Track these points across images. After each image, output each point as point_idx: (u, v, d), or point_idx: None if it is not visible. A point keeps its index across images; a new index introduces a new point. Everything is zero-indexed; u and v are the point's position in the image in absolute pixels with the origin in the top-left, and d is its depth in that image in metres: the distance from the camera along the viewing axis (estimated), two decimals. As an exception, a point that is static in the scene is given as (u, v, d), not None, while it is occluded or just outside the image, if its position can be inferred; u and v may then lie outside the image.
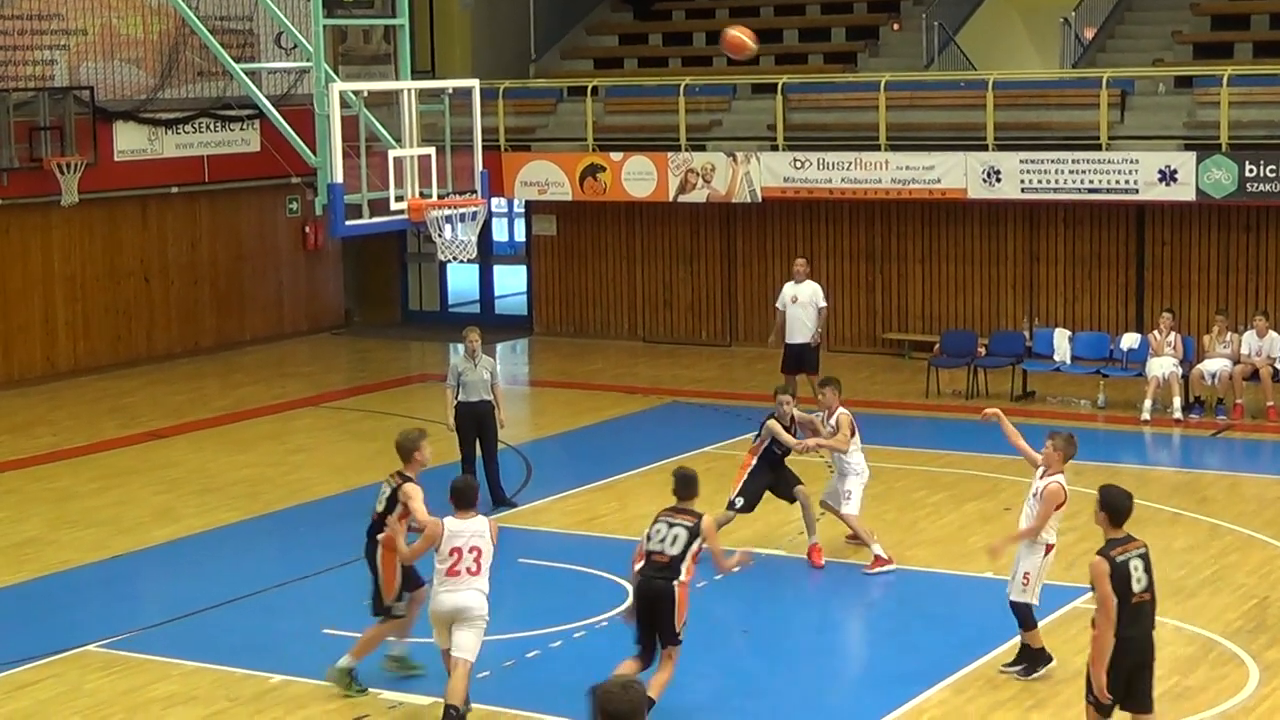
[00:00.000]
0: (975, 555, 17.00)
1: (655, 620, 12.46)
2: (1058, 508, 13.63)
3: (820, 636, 14.92)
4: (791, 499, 16.93)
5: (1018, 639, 14.09)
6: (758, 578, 15.83)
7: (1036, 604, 13.56)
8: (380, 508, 13.71)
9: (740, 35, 19.25)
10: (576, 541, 17.50)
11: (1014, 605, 13.69)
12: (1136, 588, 11.17)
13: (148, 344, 29.22)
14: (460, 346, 20.17)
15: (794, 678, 13.98)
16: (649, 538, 12.59)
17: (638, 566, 12.77)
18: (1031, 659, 13.81)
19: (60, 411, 25.37)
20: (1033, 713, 13.23)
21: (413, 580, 13.76)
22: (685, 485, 12.92)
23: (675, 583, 12.33)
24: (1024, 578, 13.61)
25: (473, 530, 12.60)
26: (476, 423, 19.29)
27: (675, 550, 12.33)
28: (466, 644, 12.50)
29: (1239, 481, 20.27)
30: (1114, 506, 11.41)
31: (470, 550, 12.56)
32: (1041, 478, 14.04)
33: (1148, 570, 11.35)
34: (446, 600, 12.60)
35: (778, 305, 23.89)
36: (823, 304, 23.64)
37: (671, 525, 12.57)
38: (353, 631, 15.00)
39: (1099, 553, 11.18)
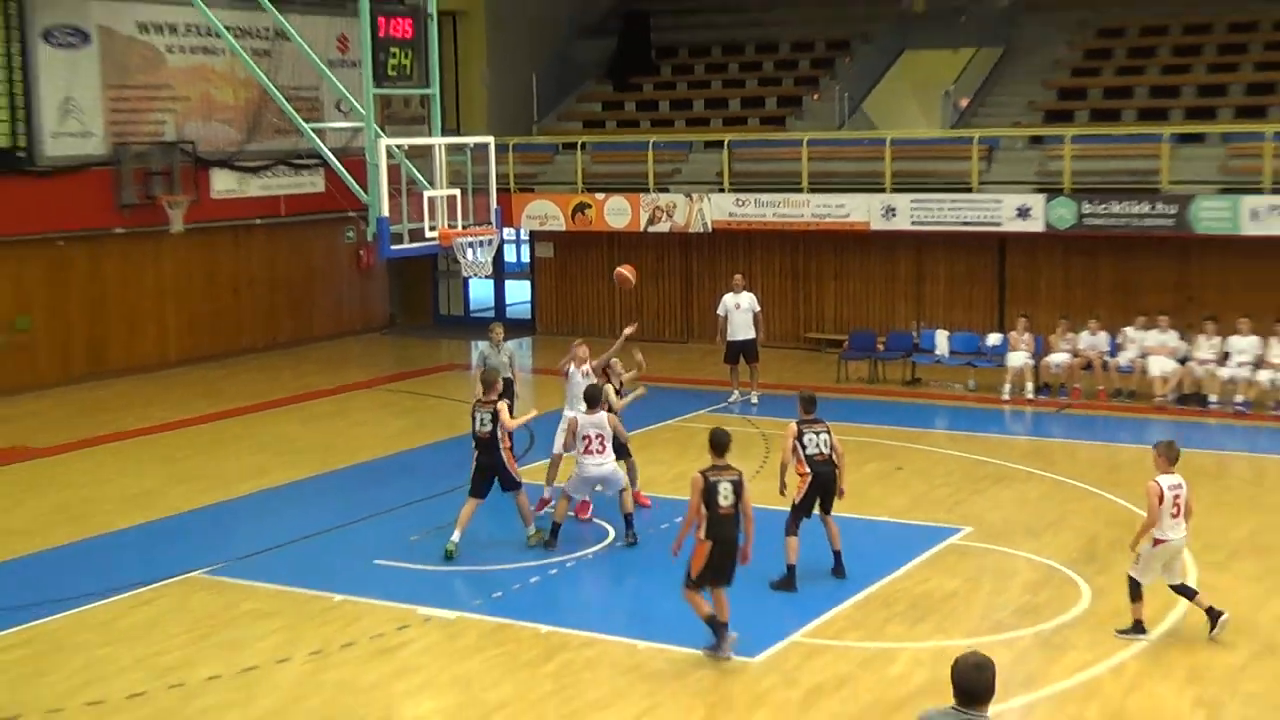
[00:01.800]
0: (874, 504, 17.17)
1: (730, 562, 12.31)
2: (1160, 503, 12.45)
3: (756, 566, 15.00)
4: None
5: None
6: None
7: (1144, 582, 12.65)
8: (487, 427, 15.34)
9: (625, 272, 19.02)
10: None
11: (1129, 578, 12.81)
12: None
13: (237, 341, 29.29)
14: (485, 341, 20.29)
15: (736, 597, 14.12)
16: (719, 493, 12.12)
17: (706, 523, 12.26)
18: (1136, 627, 12.79)
19: (170, 393, 25.39)
20: (918, 626, 13.38)
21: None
22: (721, 446, 12.57)
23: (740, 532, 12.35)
24: (1135, 559, 12.83)
25: (597, 422, 15.45)
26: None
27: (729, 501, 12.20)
28: (617, 485, 15.64)
29: (1077, 447, 20.43)
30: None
31: (596, 436, 15.38)
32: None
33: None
34: (594, 470, 15.46)
35: (719, 311, 24.04)
36: (758, 309, 23.90)
37: (725, 480, 12.24)
38: (399, 562, 15.29)
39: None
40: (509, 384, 19.51)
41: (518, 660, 12.60)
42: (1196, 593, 12.94)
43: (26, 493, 18.82)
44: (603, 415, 15.56)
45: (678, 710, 11.52)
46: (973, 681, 7.15)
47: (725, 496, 12.15)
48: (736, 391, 23.66)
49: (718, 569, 12.26)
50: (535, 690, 11.97)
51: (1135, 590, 12.68)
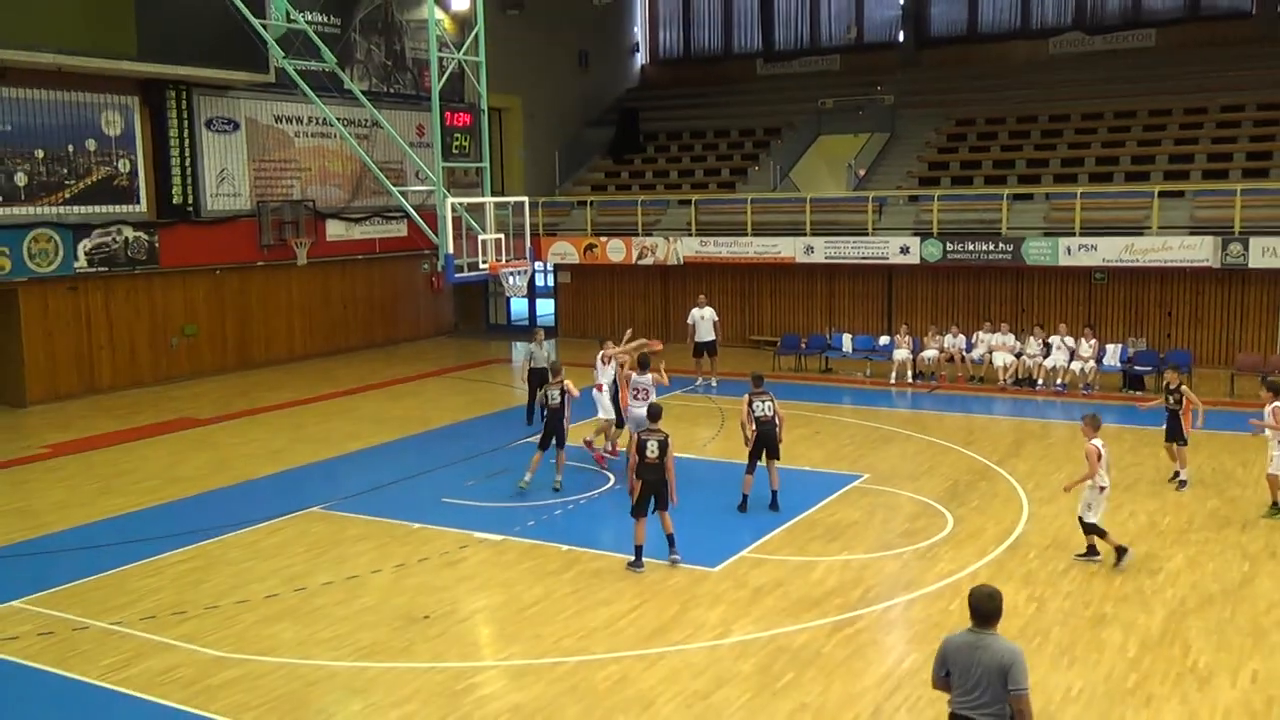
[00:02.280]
0: (799, 458, 17.10)
1: (656, 495, 12.38)
2: (1099, 460, 12.12)
3: (717, 499, 14.92)
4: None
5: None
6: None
7: (1097, 521, 12.27)
8: (556, 400, 15.38)
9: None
10: (579, 451, 17.44)
11: (1083, 523, 12.37)
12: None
13: (345, 341, 29.12)
14: (531, 342, 20.28)
15: (701, 525, 14.08)
16: (647, 447, 12.27)
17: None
18: (1119, 551, 12.20)
19: (296, 379, 25.26)
20: (831, 544, 13.32)
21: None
22: (654, 415, 12.71)
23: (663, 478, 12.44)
24: (1086, 506, 12.32)
25: (645, 381, 15.63)
26: (540, 381, 19.23)
27: (655, 454, 12.33)
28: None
29: (943, 417, 20.37)
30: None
31: (644, 390, 15.56)
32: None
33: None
34: (639, 411, 14.63)
35: (689, 320, 24.08)
36: (716, 319, 23.90)
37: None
38: (460, 500, 15.19)
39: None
40: (544, 372, 19.48)
41: (546, 570, 12.54)
42: (1106, 533, 12.35)
43: (192, 451, 18.70)
44: (649, 376, 15.89)
45: (660, 605, 11.46)
46: (986, 607, 6.81)
47: (651, 450, 12.29)
48: (701, 379, 23.53)
49: (645, 500, 12.35)
50: (559, 591, 11.92)
51: (1095, 529, 12.27)
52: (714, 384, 23.24)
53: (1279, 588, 11.67)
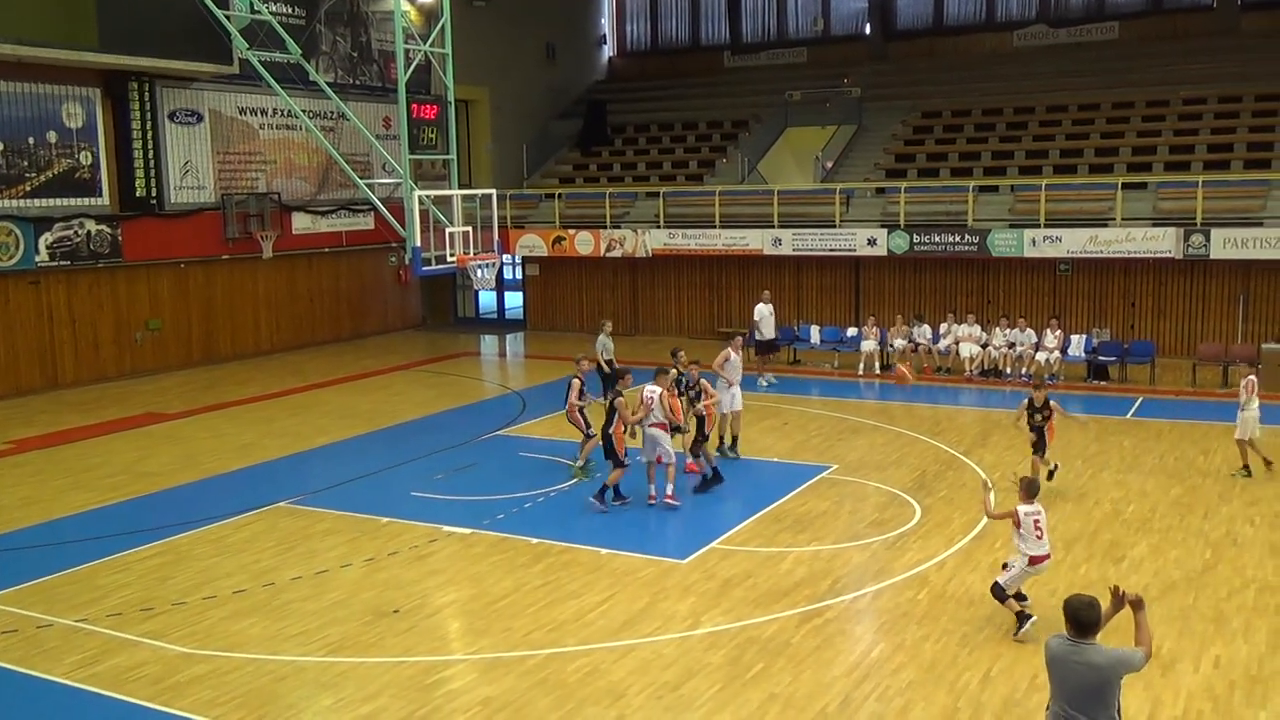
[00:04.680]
0: (767, 449, 17.15)
1: None
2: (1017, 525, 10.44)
3: (680, 494, 14.97)
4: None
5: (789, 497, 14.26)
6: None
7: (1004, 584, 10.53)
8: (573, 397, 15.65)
9: (904, 371, 14.98)
10: (551, 444, 17.48)
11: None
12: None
13: (312, 335, 28.95)
14: (602, 333, 20.03)
15: (672, 520, 14.12)
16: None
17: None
18: (1020, 618, 10.38)
19: (262, 372, 25.12)
20: (800, 535, 13.38)
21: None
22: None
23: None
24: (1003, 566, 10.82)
25: (651, 391, 14.31)
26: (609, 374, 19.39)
27: None
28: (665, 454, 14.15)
29: (910, 408, 20.49)
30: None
31: (649, 404, 14.30)
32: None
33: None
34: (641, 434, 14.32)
35: (754, 317, 23.31)
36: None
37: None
38: (429, 493, 15.12)
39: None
40: (611, 364, 19.46)
41: (515, 563, 12.51)
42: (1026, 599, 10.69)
43: (159, 446, 18.54)
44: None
45: (630, 597, 11.46)
46: (1084, 617, 6.64)
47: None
48: (764, 378, 22.49)
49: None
50: (528, 584, 11.91)
51: (998, 592, 10.46)
52: (773, 381, 22.60)
53: (1240, 574, 11.83)
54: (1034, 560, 10.38)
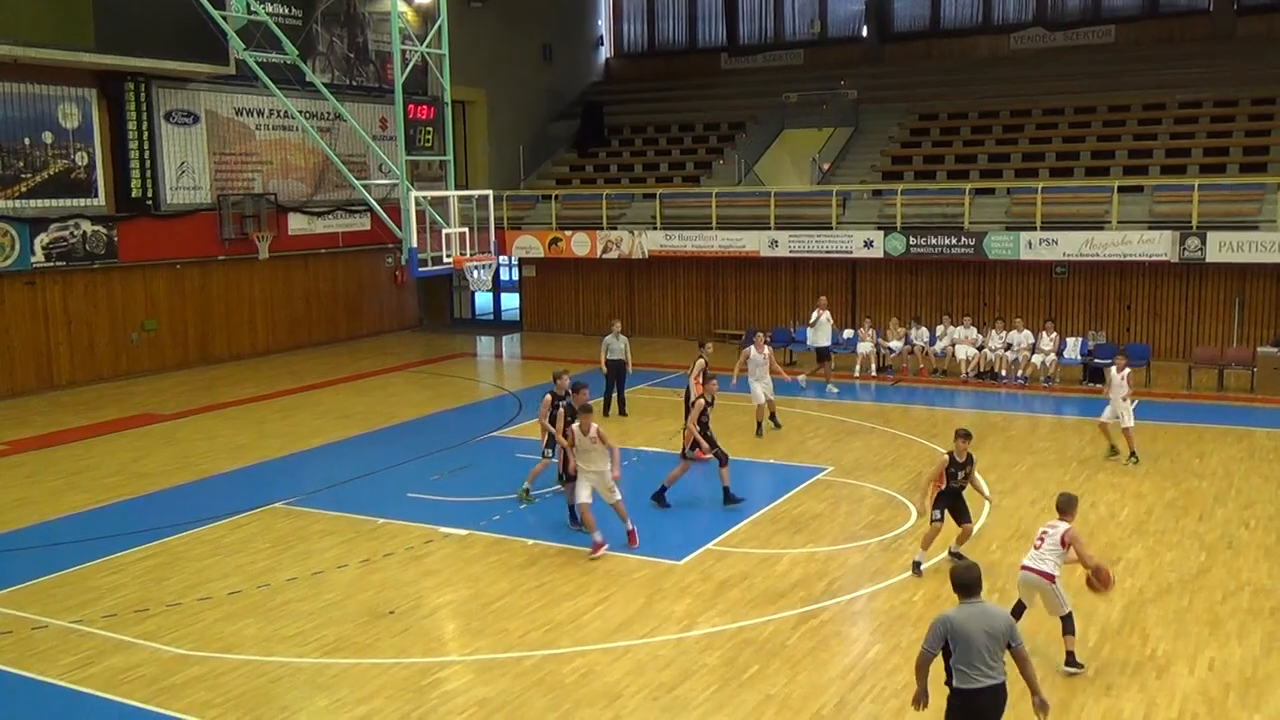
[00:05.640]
0: (764, 451, 17.17)
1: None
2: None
3: (677, 497, 14.98)
4: None
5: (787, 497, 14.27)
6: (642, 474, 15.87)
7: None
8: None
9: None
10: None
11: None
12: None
13: (308, 336, 28.93)
14: (610, 334, 20.09)
15: (668, 519, 14.13)
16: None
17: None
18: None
19: (259, 374, 25.09)
20: (796, 537, 13.40)
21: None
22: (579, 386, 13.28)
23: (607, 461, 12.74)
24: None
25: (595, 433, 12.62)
26: (616, 370, 19.82)
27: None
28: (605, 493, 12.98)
29: (907, 409, 20.53)
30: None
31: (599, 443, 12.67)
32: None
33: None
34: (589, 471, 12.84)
35: (810, 323, 22.53)
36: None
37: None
38: (425, 494, 15.11)
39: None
40: (622, 365, 19.68)
41: (511, 564, 12.52)
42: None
43: (155, 446, 18.52)
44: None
45: (626, 599, 11.47)
46: (965, 578, 7.29)
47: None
48: (830, 383, 22.24)
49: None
50: (524, 585, 11.91)
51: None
52: (834, 390, 22.12)
53: (1235, 577, 11.86)
54: (1023, 567, 9.89)
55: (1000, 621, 7.24)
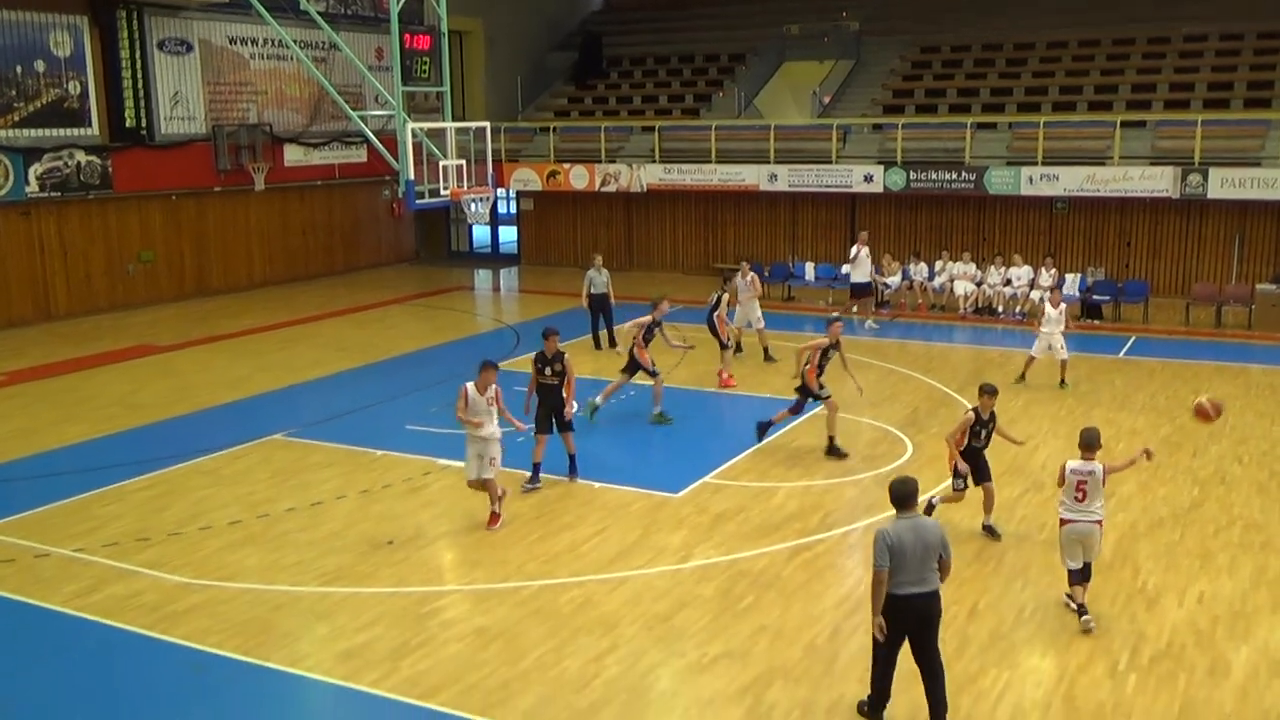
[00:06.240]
0: (762, 385, 17.20)
1: (549, 414, 12.73)
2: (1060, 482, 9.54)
3: (676, 429, 15.04)
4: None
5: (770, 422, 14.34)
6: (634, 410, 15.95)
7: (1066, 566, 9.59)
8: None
9: (1208, 407, 10.21)
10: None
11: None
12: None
13: (305, 268, 28.85)
14: (592, 268, 20.06)
15: (668, 451, 14.18)
16: (544, 371, 12.64)
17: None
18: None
19: (256, 306, 25.06)
20: (792, 470, 13.47)
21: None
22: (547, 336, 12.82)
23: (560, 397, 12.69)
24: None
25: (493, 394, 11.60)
26: (600, 304, 19.86)
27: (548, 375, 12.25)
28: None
29: (904, 345, 20.56)
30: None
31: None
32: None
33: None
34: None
35: (851, 257, 22.13)
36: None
37: (549, 366, 12.69)
38: (423, 426, 15.16)
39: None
40: (606, 299, 19.51)
41: (509, 496, 12.55)
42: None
43: (152, 378, 18.55)
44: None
45: (623, 530, 11.57)
46: (900, 490, 7.59)
47: (545, 375, 12.55)
48: (868, 321, 22.10)
49: (542, 419, 12.65)
50: (521, 517, 12.01)
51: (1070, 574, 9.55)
52: (875, 325, 21.97)
53: (1227, 512, 11.96)
54: (1064, 522, 9.41)
55: (933, 534, 7.57)
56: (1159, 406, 16.00)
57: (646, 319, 15.60)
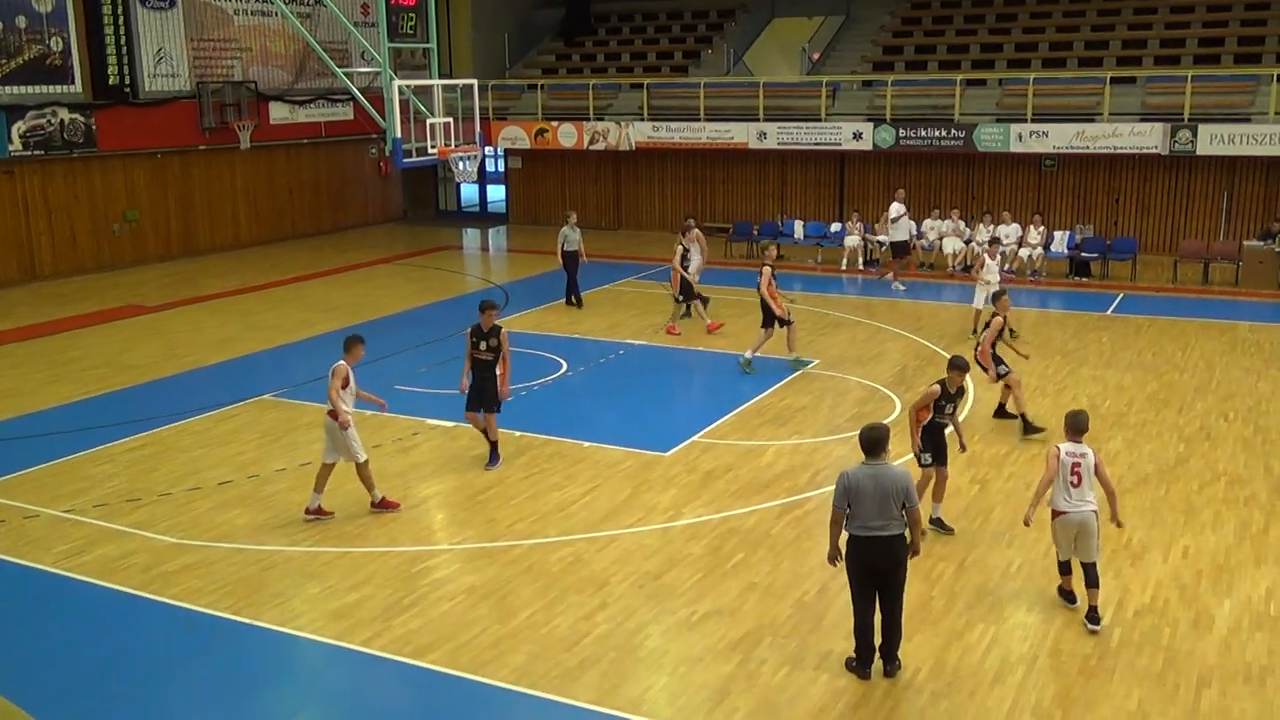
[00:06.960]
0: (750, 342, 17.21)
1: (481, 391, 12.18)
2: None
3: (659, 391, 15.05)
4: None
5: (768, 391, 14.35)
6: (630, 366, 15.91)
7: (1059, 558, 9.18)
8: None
9: None
10: (535, 338, 17.53)
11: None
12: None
13: (292, 227, 28.69)
14: (566, 225, 20.19)
15: (657, 410, 14.22)
16: (479, 345, 12.07)
17: None
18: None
19: (242, 265, 24.96)
20: (781, 429, 13.51)
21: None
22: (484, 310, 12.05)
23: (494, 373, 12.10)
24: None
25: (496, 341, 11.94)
26: (573, 261, 19.95)
27: (483, 351, 12.15)
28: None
29: (895, 303, 20.54)
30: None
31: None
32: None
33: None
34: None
35: (891, 216, 21.45)
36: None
37: (484, 340, 12.01)
38: (413, 387, 15.13)
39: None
40: (576, 255, 19.83)
41: (500, 466, 12.59)
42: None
43: (139, 338, 18.48)
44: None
45: (612, 489, 11.60)
46: (871, 437, 7.76)
47: (480, 349, 11.94)
48: (896, 281, 21.69)
49: (475, 396, 12.12)
50: (511, 476, 12.03)
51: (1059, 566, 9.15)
52: (902, 287, 21.60)
53: (1212, 468, 12.04)
54: (1056, 513, 8.76)
55: (893, 482, 7.68)
56: (1146, 364, 16.06)
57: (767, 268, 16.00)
